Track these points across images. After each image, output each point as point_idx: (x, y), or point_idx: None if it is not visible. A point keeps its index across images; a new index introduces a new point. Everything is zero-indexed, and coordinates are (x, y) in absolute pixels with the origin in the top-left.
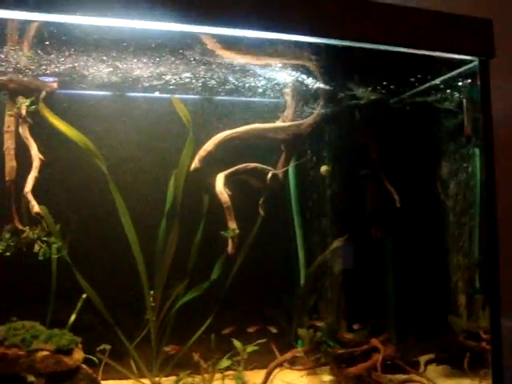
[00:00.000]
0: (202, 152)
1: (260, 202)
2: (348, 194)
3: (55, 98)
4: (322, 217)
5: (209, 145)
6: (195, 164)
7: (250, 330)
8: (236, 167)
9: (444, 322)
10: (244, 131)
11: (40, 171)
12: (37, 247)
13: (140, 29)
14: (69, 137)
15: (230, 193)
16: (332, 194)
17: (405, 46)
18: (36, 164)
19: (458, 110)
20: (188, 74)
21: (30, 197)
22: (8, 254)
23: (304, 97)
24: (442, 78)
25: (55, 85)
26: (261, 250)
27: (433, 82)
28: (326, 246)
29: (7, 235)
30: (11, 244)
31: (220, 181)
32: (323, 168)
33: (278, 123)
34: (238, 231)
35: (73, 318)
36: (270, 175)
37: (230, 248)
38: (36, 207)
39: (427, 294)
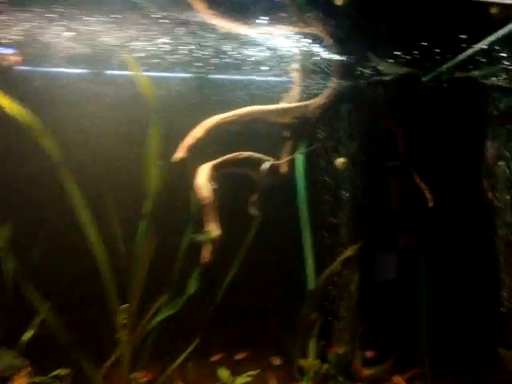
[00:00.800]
0: (189, 139)
1: (251, 200)
2: (369, 192)
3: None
4: (336, 219)
5: (198, 131)
6: (181, 153)
7: (239, 356)
8: (225, 157)
9: (493, 355)
10: (241, 114)
11: None
12: None
13: None
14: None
15: (215, 187)
16: (349, 192)
17: None
18: None
19: None
20: (170, 45)
21: None
22: None
23: (314, 72)
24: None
25: (17, 58)
26: (260, 256)
27: (479, 46)
28: (338, 255)
29: None
30: None
31: (203, 173)
32: (339, 160)
33: (282, 104)
34: (214, 234)
35: (26, 336)
36: (266, 166)
37: (204, 255)
38: None
39: (470, 318)
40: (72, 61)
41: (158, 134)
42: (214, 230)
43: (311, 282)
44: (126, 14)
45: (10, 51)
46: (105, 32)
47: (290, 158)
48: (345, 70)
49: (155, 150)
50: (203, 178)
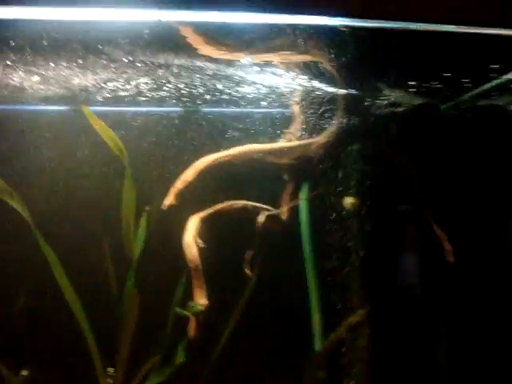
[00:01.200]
0: (179, 183)
1: (246, 257)
2: (380, 239)
3: None
4: (345, 269)
5: (189, 173)
6: (170, 200)
7: None
8: (216, 207)
9: None
10: (235, 154)
11: None
12: None
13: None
14: None
15: (201, 245)
16: (358, 238)
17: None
18: None
19: None
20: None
21: None
22: None
23: (316, 105)
24: None
25: None
26: (260, 314)
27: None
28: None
29: None
30: None
31: (191, 228)
32: (348, 200)
33: (281, 143)
34: (200, 308)
35: None
36: (262, 219)
37: (189, 331)
38: None
39: None
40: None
41: (132, 187)
42: (200, 299)
43: (318, 343)
44: (94, 59)
45: None
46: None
47: (290, 205)
48: (350, 104)
49: (131, 205)
50: (191, 235)
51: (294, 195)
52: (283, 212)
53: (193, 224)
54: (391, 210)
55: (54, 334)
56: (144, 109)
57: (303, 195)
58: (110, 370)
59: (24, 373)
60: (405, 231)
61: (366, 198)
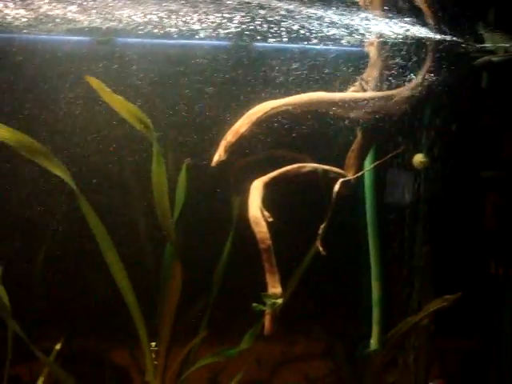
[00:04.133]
0: (229, 136)
1: (320, 232)
2: (455, 206)
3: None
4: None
5: (241, 124)
6: (219, 156)
7: None
8: (282, 170)
9: None
10: (298, 103)
11: None
12: None
13: None
14: None
15: (270, 219)
16: (429, 202)
17: None
18: None
19: None
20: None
21: None
22: None
23: (400, 50)
24: None
25: None
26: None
27: None
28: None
29: None
30: None
31: (256, 196)
32: (418, 157)
33: (355, 93)
34: (280, 301)
35: None
36: (338, 187)
37: (266, 326)
38: None
39: None
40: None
41: (162, 166)
42: (274, 288)
43: (376, 342)
44: None
45: None
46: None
47: (365, 170)
48: (444, 52)
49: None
50: (257, 206)
51: (363, 154)
52: (353, 178)
53: (256, 192)
54: (473, 175)
55: (97, 306)
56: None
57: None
58: (152, 344)
59: (57, 347)
60: (486, 198)
61: (446, 162)
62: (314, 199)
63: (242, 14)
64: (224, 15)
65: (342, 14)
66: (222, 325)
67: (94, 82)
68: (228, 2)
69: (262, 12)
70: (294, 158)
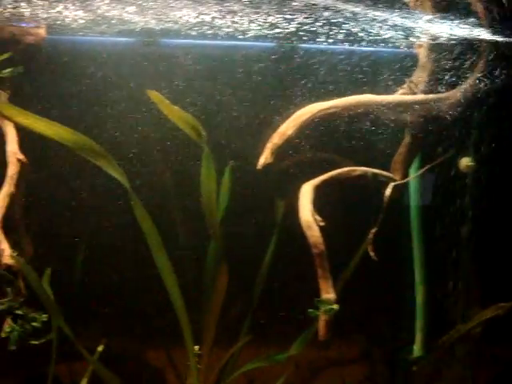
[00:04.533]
0: (276, 139)
1: (369, 237)
2: (503, 210)
3: (44, 51)
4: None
5: (288, 126)
6: (265, 158)
7: None
8: (332, 173)
9: None
10: (346, 105)
11: (17, 184)
12: (5, 326)
13: None
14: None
15: (321, 223)
16: (475, 205)
17: None
18: (12, 171)
19: None
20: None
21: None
22: None
23: (451, 51)
24: None
25: (42, 31)
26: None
27: None
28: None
29: None
30: None
31: (306, 200)
32: (464, 161)
33: (405, 96)
34: (336, 306)
35: None
36: (389, 192)
37: (321, 332)
38: (6, 256)
39: None
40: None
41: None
42: (328, 293)
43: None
44: None
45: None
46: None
47: (416, 175)
48: (498, 54)
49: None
50: (308, 210)
51: (410, 158)
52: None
53: (307, 195)
54: None
55: (136, 307)
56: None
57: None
58: (195, 348)
59: (100, 348)
60: None
61: (496, 166)
62: (355, 202)
63: (305, 15)
64: (285, 16)
65: (406, 17)
66: (263, 328)
67: (154, 95)
68: (293, 4)
69: (326, 14)
70: (334, 161)
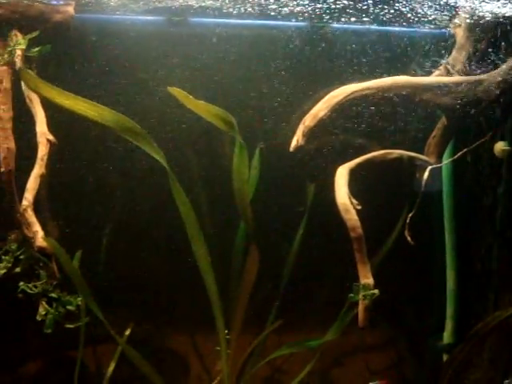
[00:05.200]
0: (308, 121)
1: (407, 221)
2: None
3: (73, 30)
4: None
5: (320, 108)
6: (297, 140)
7: None
8: (368, 156)
9: None
10: (380, 87)
11: (48, 165)
12: (40, 309)
13: None
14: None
15: (358, 207)
16: (508, 189)
17: None
18: (42, 152)
19: None
20: None
21: (31, 217)
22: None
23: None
24: None
25: (70, 9)
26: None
27: None
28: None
29: (14, 246)
30: (20, 258)
31: (342, 183)
32: (499, 146)
33: (440, 77)
34: (376, 291)
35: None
36: (427, 174)
37: (360, 318)
38: (40, 239)
39: None
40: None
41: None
42: (366, 278)
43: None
44: None
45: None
46: None
47: (451, 159)
48: None
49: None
50: (345, 193)
51: (445, 142)
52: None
53: (343, 178)
54: None
55: (175, 287)
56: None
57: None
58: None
59: (127, 332)
60: None
61: None
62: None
63: None
64: None
65: None
66: (290, 313)
67: (177, 92)
68: None
69: None
70: (362, 146)
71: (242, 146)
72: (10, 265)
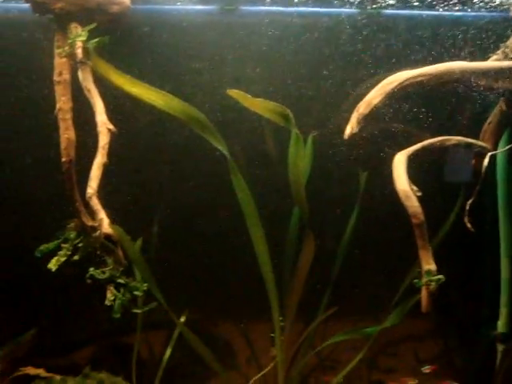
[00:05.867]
0: (362, 108)
1: (467, 209)
2: None
3: (130, 21)
4: None
5: (374, 96)
6: (351, 128)
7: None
8: (425, 142)
9: None
10: (436, 73)
11: (109, 154)
12: (108, 295)
13: None
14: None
15: (418, 193)
16: None
17: None
18: (104, 141)
19: None
20: None
21: (96, 205)
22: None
23: None
24: None
25: (127, 0)
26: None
27: None
28: None
29: (72, 234)
30: (79, 246)
31: (401, 170)
32: None
33: (502, 62)
34: (441, 278)
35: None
36: (486, 162)
37: (424, 304)
38: (106, 225)
39: None
40: None
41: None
42: (428, 264)
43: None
44: None
45: None
46: None
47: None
48: None
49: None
50: (405, 180)
51: (501, 133)
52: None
53: (401, 165)
54: None
55: (229, 274)
56: None
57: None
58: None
59: (183, 318)
60: None
61: None
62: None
63: None
64: None
65: None
66: (341, 301)
67: (235, 93)
68: None
69: None
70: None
71: (298, 138)
72: (69, 252)
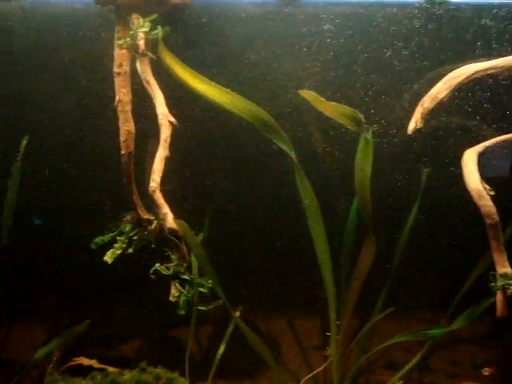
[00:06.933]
0: (427, 102)
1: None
2: None
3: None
4: None
5: (439, 90)
6: (415, 123)
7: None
8: (497, 138)
9: None
10: (504, 66)
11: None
12: (173, 291)
13: None
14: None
15: (491, 193)
16: None
17: None
18: (165, 134)
19: None
20: None
21: (160, 199)
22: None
23: None
24: None
25: None
26: None
27: None
28: None
29: (127, 227)
30: (134, 238)
31: (472, 167)
32: None
33: None
34: None
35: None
36: None
37: (499, 308)
38: (170, 220)
39: None
40: None
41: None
42: (503, 267)
43: None
44: None
45: None
46: None
47: None
48: None
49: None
50: (477, 179)
51: None
52: None
53: (472, 163)
54: None
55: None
56: None
57: None
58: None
59: (237, 313)
60: None
61: None
62: None
63: None
64: None
65: None
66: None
67: (308, 95)
68: None
69: None
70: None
71: (368, 143)
72: (124, 245)
